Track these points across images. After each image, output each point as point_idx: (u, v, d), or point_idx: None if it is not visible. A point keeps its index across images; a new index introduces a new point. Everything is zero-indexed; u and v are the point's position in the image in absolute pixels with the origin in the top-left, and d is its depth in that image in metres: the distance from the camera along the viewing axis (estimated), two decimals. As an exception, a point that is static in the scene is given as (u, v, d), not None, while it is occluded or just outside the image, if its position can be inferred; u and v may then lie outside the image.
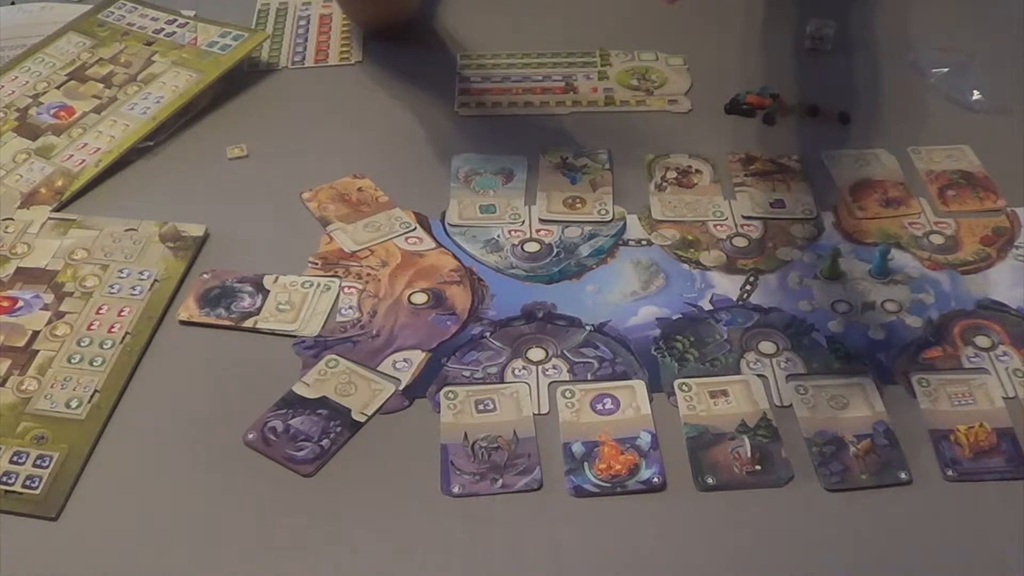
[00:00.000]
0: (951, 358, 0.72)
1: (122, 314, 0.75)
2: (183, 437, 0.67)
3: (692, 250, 0.81)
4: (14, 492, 0.63)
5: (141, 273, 0.78)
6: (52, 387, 0.70)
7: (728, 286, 0.78)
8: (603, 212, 0.84)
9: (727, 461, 0.65)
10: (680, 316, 0.75)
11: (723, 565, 0.60)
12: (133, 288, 0.77)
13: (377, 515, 0.63)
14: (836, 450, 0.65)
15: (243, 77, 1.00)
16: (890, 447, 0.66)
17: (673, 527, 0.62)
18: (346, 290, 0.77)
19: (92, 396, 0.69)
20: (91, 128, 0.92)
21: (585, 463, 0.65)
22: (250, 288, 0.77)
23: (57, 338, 0.73)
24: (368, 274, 0.79)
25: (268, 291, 0.77)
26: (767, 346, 0.73)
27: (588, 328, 0.74)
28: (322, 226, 0.83)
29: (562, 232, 0.82)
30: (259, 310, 0.75)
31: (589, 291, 0.77)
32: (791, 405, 0.69)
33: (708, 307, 0.76)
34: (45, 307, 0.75)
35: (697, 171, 0.88)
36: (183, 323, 0.75)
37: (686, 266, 0.79)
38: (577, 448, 0.66)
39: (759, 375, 0.71)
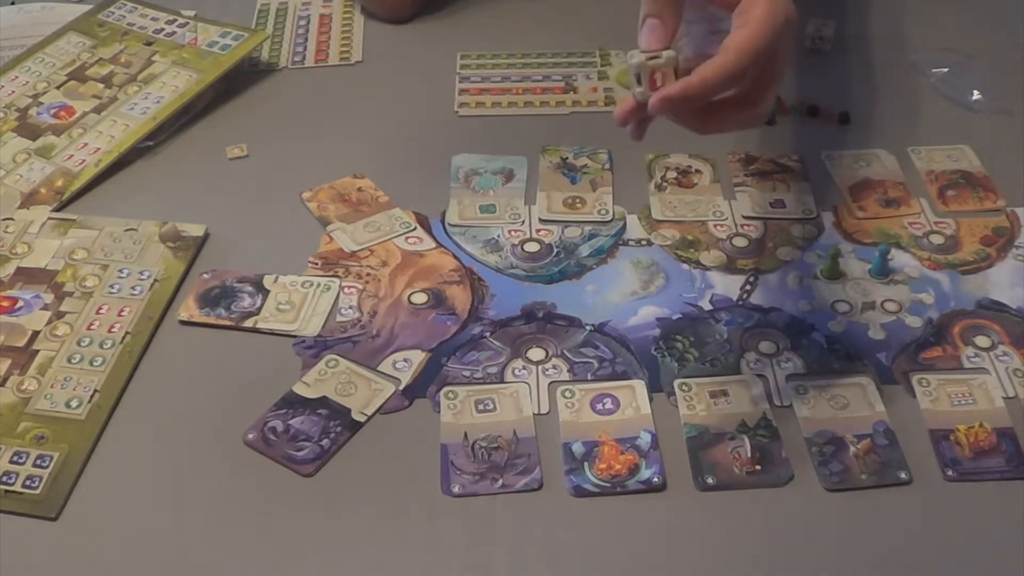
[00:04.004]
0: (951, 358, 0.72)
1: (122, 314, 0.75)
2: (183, 437, 0.67)
3: (692, 250, 0.81)
4: (14, 492, 0.63)
5: (141, 273, 0.78)
6: (52, 387, 0.70)
7: (728, 286, 0.78)
8: (603, 212, 0.84)
9: (727, 461, 0.65)
10: (680, 316, 0.75)
11: (723, 565, 0.60)
12: (133, 288, 0.77)
13: (377, 515, 0.63)
14: (836, 450, 0.65)
15: (243, 77, 1.00)
16: (890, 447, 0.66)
17: (673, 527, 0.62)
18: (346, 290, 0.77)
19: (92, 396, 0.69)
20: (91, 128, 0.92)
21: (585, 463, 0.65)
22: (250, 288, 0.77)
23: (57, 338, 0.73)
24: (368, 274, 0.79)
25: (268, 291, 0.77)
26: (767, 346, 0.73)
27: (588, 328, 0.74)
28: (322, 226, 0.83)
29: (562, 232, 0.82)
30: (259, 310, 0.75)
31: (589, 291, 0.77)
32: (791, 405, 0.69)
33: (708, 307, 0.76)
34: (45, 307, 0.75)
35: (697, 171, 0.88)
36: (183, 323, 0.75)
37: (686, 266, 0.79)
38: (577, 448, 0.66)
39: (759, 375, 0.71)
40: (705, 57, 0.63)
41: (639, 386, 0.70)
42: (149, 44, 1.01)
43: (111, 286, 0.77)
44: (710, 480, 0.64)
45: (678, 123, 0.64)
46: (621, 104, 0.64)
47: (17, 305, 0.76)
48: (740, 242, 0.81)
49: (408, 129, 0.94)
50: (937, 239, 0.81)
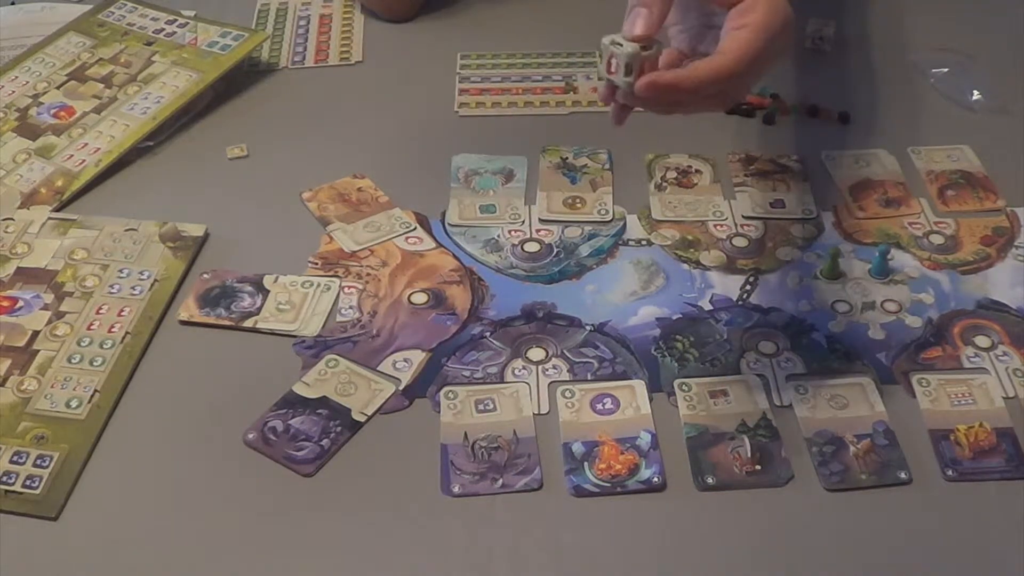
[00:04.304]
0: (951, 358, 0.72)
1: (122, 314, 0.75)
2: (183, 437, 0.67)
3: (692, 250, 0.81)
4: (14, 492, 0.63)
5: (141, 273, 0.78)
6: (52, 387, 0.70)
7: (728, 286, 0.78)
8: (603, 212, 0.84)
9: (727, 461, 0.65)
10: (680, 316, 0.75)
11: (723, 565, 0.60)
12: (133, 288, 0.77)
13: (377, 515, 0.63)
14: (836, 450, 0.65)
15: (243, 77, 1.00)
16: (890, 447, 0.66)
17: (673, 527, 0.62)
18: (346, 290, 0.77)
19: (92, 396, 0.69)
20: (91, 128, 0.92)
21: (585, 463, 0.65)
22: (250, 288, 0.77)
23: (57, 338, 0.73)
24: (368, 274, 0.79)
25: (268, 291, 0.77)
26: (767, 346, 0.73)
27: (588, 328, 0.74)
28: (322, 226, 0.83)
29: (562, 232, 0.82)
30: (259, 310, 0.75)
31: (589, 291, 0.77)
32: (791, 405, 0.69)
33: (708, 307, 0.76)
34: (45, 307, 0.75)
35: (697, 171, 0.88)
36: (183, 323, 0.75)
37: (686, 266, 0.79)
38: (577, 448, 0.66)
39: (759, 375, 0.71)
40: (699, 54, 0.63)
41: (639, 386, 0.70)
42: (149, 44, 1.01)
43: (111, 286, 0.77)
44: (710, 480, 0.64)
45: (645, 108, 0.64)
46: (605, 87, 0.64)
47: (17, 305, 0.76)
48: (740, 242, 0.81)
49: (408, 129, 0.94)
50: (937, 239, 0.81)
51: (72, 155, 0.89)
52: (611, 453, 0.65)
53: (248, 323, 0.74)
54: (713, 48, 0.63)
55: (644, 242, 0.82)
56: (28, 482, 0.64)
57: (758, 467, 0.64)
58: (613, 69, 0.63)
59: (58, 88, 0.97)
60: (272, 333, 0.74)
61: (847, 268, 0.79)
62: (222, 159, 0.90)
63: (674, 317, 0.75)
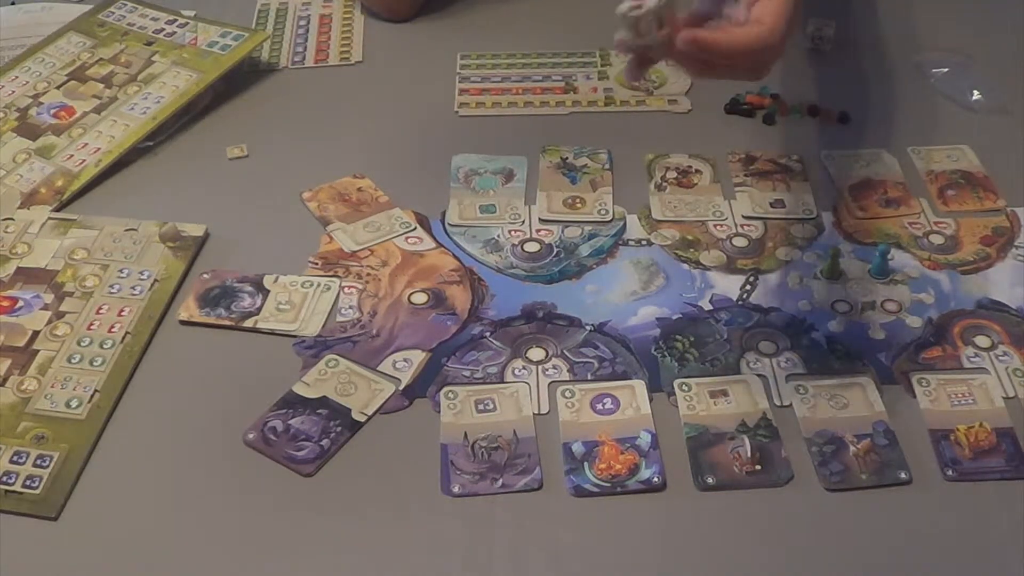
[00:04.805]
0: (951, 358, 0.72)
1: (122, 314, 0.75)
2: (183, 437, 0.67)
3: (692, 250, 0.81)
4: (14, 492, 0.63)
5: (141, 273, 0.78)
6: (52, 387, 0.70)
7: (728, 286, 0.78)
8: (603, 212, 0.84)
9: (727, 461, 0.65)
10: (680, 316, 0.75)
11: (723, 565, 0.60)
12: (133, 288, 0.77)
13: (377, 515, 0.63)
14: (836, 450, 0.65)
15: (243, 77, 1.00)
16: (890, 447, 0.66)
17: (673, 527, 0.62)
18: (346, 290, 0.77)
19: (92, 396, 0.69)
20: (91, 128, 0.92)
21: (585, 463, 0.65)
22: (250, 288, 0.77)
23: (57, 338, 0.73)
24: (368, 274, 0.79)
25: (268, 291, 0.77)
26: (767, 346, 0.73)
27: (588, 328, 0.74)
28: (322, 226, 0.83)
29: (562, 232, 0.82)
30: (259, 310, 0.75)
31: (589, 291, 0.77)
32: (791, 405, 0.69)
33: (708, 307, 0.76)
34: (45, 307, 0.75)
35: (697, 171, 0.88)
36: (183, 323, 0.75)
37: (686, 266, 0.79)
38: (577, 448, 0.66)
39: (759, 375, 0.71)
40: (723, 16, 0.64)
41: (639, 386, 0.70)
42: (149, 44, 1.01)
43: (111, 286, 0.77)
44: (710, 480, 0.64)
45: (679, 62, 0.65)
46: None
47: (17, 305, 0.76)
48: (740, 242, 0.81)
49: (408, 129, 0.94)
50: (937, 239, 0.81)
51: (72, 155, 0.89)
52: (611, 453, 0.65)
53: (248, 323, 0.74)
54: (735, 10, 0.64)
55: (644, 242, 0.82)
56: (28, 482, 0.64)
57: (758, 467, 0.64)
58: (643, 31, 0.63)
59: (58, 88, 0.97)
60: (272, 333, 0.74)
61: (847, 268, 0.79)
62: (222, 159, 0.90)
63: (674, 317, 0.75)
